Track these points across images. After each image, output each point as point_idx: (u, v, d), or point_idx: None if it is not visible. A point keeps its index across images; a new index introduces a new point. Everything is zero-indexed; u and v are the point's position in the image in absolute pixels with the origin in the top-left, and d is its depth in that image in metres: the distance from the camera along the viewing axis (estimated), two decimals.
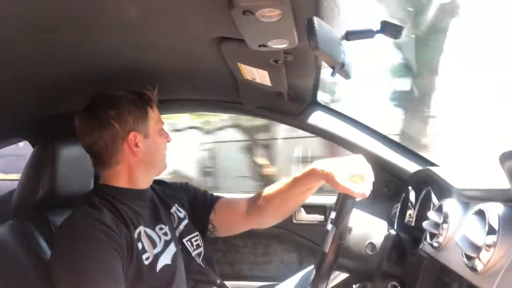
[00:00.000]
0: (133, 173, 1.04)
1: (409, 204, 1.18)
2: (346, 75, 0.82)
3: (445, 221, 0.83)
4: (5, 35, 0.82)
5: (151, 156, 1.05)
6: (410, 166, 1.41)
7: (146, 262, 0.95)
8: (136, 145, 1.02)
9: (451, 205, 0.85)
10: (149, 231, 1.00)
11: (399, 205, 1.30)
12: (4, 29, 0.79)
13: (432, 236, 0.88)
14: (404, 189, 1.30)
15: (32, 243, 1.04)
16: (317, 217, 1.60)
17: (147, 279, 0.94)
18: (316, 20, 0.66)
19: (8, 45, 0.86)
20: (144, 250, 0.96)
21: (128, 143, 1.01)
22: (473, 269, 0.64)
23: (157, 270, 0.96)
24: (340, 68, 0.77)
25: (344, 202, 0.97)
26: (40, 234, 1.06)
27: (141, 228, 0.99)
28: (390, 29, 0.74)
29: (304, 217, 1.61)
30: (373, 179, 0.99)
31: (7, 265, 1.03)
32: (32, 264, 1.01)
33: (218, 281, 1.13)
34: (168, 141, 1.11)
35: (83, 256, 0.86)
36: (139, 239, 0.97)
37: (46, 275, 0.99)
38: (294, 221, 1.60)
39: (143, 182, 1.07)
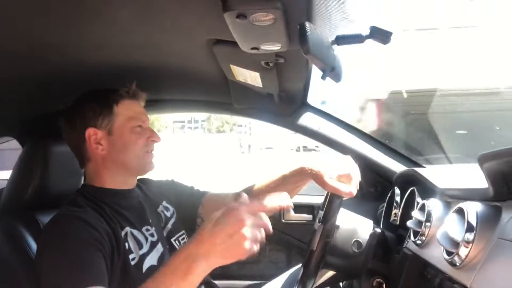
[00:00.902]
0: (104, 172, 1.03)
1: (394, 203, 1.22)
2: (336, 78, 0.85)
3: (428, 220, 0.86)
4: None
5: (117, 154, 1.02)
6: (396, 167, 1.45)
7: (132, 263, 0.96)
8: (98, 142, 1.01)
9: (433, 204, 0.89)
10: (135, 232, 1.00)
11: (385, 204, 1.34)
12: None
13: (416, 234, 0.91)
14: (390, 189, 1.34)
15: (20, 242, 1.03)
16: (306, 217, 1.63)
17: (134, 278, 0.94)
18: (308, 25, 0.69)
19: None
20: (130, 251, 0.97)
21: (88, 139, 1.01)
22: (453, 264, 0.68)
23: (143, 270, 0.97)
24: (330, 71, 0.79)
25: (332, 201, 0.99)
26: (28, 233, 1.05)
27: (127, 229, 0.99)
28: (379, 34, 0.77)
29: (292, 216, 1.63)
30: (360, 179, 1.02)
31: None
32: (20, 263, 1.01)
33: (207, 280, 1.14)
34: (153, 141, 1.05)
35: (65, 255, 0.86)
36: (125, 239, 0.97)
37: (33, 273, 1.00)
38: (283, 220, 1.63)
39: (121, 182, 1.05)
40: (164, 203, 1.16)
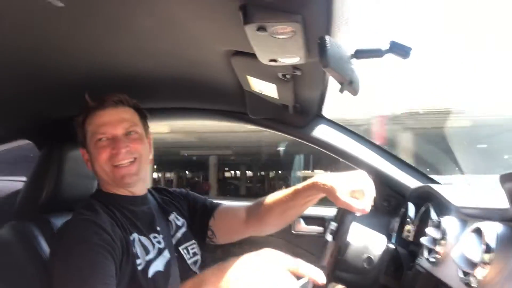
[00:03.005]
0: (103, 182, 1.09)
1: (408, 219, 1.20)
2: (354, 92, 0.85)
3: (443, 238, 0.85)
4: (14, 40, 0.84)
5: (95, 170, 1.05)
6: (411, 182, 1.43)
7: (139, 268, 0.97)
8: (87, 160, 1.08)
9: (449, 222, 0.87)
10: (142, 238, 1.02)
11: (398, 219, 1.32)
12: (13, 34, 0.82)
13: (430, 251, 0.90)
14: (404, 204, 1.32)
15: (34, 244, 1.05)
16: (316, 229, 1.61)
17: (140, 283, 0.96)
18: (327, 38, 0.69)
19: (18, 49, 0.89)
20: (137, 256, 0.98)
21: (83, 157, 1.09)
22: (468, 285, 0.66)
23: (149, 276, 0.98)
24: (348, 84, 0.80)
25: (344, 217, 0.98)
26: (41, 236, 1.07)
27: (135, 235, 1.00)
28: (398, 49, 0.77)
29: (303, 228, 1.62)
30: (374, 195, 0.99)
31: (8, 266, 1.04)
32: (33, 265, 1.02)
33: None
34: (118, 153, 1.00)
35: (77, 259, 0.88)
36: (133, 244, 0.98)
37: (47, 276, 1.01)
38: (293, 232, 1.61)
39: (122, 190, 1.07)
40: (175, 213, 1.18)
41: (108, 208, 1.00)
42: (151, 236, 1.04)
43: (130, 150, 1.02)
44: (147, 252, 1.00)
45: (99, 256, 0.89)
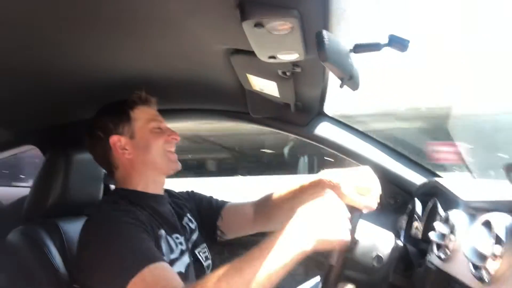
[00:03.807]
0: (135, 175, 1.06)
1: (415, 216, 1.18)
2: (354, 86, 0.83)
3: (452, 232, 0.83)
4: (17, 46, 0.85)
5: (144, 156, 1.05)
6: (417, 178, 1.41)
7: None
8: (123, 148, 1.05)
9: (457, 216, 0.85)
10: (168, 237, 1.02)
11: (405, 217, 1.30)
12: (17, 40, 0.82)
13: (439, 247, 0.88)
14: (410, 201, 1.30)
15: (42, 249, 1.05)
16: None
17: None
18: (325, 33, 0.68)
19: (22, 55, 0.89)
20: (163, 253, 0.98)
21: (114, 147, 1.05)
22: (480, 279, 0.64)
23: None
24: (348, 79, 0.78)
25: (351, 214, 0.97)
26: (50, 240, 1.08)
27: (162, 232, 1.00)
28: (397, 42, 0.76)
29: None
30: (380, 192, 0.98)
31: (17, 270, 1.05)
32: (42, 269, 1.03)
33: None
34: (173, 138, 1.08)
35: (118, 238, 0.86)
36: (161, 239, 0.99)
37: (55, 279, 1.01)
38: None
39: (152, 184, 1.07)
40: (189, 215, 1.17)
41: (132, 204, 1.00)
42: (174, 236, 1.05)
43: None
44: (171, 251, 1.00)
45: (138, 231, 0.88)
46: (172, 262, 0.99)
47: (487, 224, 0.67)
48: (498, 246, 0.62)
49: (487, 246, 0.64)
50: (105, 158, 1.07)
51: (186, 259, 1.04)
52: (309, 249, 0.76)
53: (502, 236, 0.62)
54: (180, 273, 0.99)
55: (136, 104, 1.09)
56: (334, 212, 0.79)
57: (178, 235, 1.05)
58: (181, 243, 1.04)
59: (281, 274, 0.75)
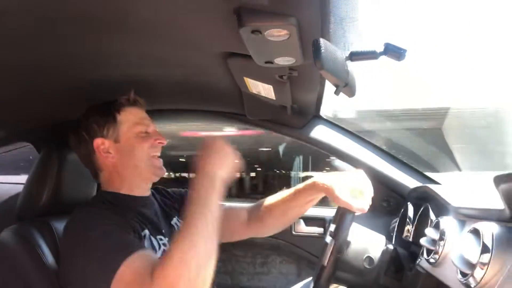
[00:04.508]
0: (118, 179, 1.04)
1: (407, 219, 1.20)
2: (350, 93, 0.84)
3: (441, 238, 0.85)
4: (14, 43, 0.85)
5: (127, 160, 1.03)
6: (410, 182, 1.43)
7: None
8: (107, 151, 1.04)
9: (447, 222, 0.87)
10: (151, 237, 1.02)
11: (397, 220, 1.31)
12: (13, 37, 0.82)
13: (429, 252, 0.89)
14: (403, 204, 1.32)
15: (35, 248, 1.05)
16: (316, 230, 1.61)
17: None
18: (322, 41, 0.69)
19: (18, 52, 0.89)
20: None
21: (97, 150, 1.04)
22: (467, 286, 0.66)
23: None
24: (343, 86, 0.79)
25: (343, 216, 0.99)
26: (42, 240, 1.07)
27: (146, 232, 1.00)
28: (393, 51, 0.77)
29: (303, 229, 1.62)
30: (372, 195, 1.01)
31: (9, 269, 1.04)
32: (34, 269, 1.02)
33: None
34: (159, 143, 1.07)
35: (101, 234, 0.86)
36: (145, 239, 0.99)
37: (47, 279, 1.01)
38: (294, 232, 1.61)
39: (136, 188, 1.06)
40: (177, 217, 1.17)
41: (116, 207, 0.99)
42: (158, 238, 1.04)
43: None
44: (154, 251, 1.00)
45: (121, 231, 0.88)
46: None
47: (476, 232, 0.69)
48: (485, 254, 0.63)
49: (475, 254, 0.65)
50: (89, 160, 1.07)
51: None
52: (220, 178, 0.87)
53: (489, 245, 0.63)
54: None
55: (123, 106, 1.07)
56: (222, 151, 0.91)
57: (162, 237, 1.05)
58: (164, 244, 1.04)
59: (217, 211, 0.84)
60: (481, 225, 0.68)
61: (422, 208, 1.11)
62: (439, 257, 0.84)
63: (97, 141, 1.04)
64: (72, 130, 1.09)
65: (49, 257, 1.05)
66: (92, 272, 0.84)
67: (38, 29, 0.79)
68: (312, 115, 1.45)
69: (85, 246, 0.86)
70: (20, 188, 1.26)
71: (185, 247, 0.77)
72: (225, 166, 0.89)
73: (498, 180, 0.59)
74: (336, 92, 0.80)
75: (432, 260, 0.87)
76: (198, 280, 0.76)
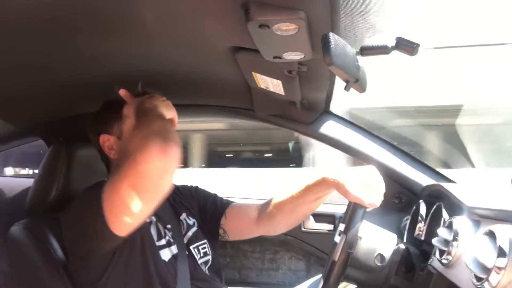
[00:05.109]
0: None
1: (419, 217, 1.17)
2: (361, 89, 0.82)
3: (455, 239, 0.82)
4: (22, 39, 0.85)
5: (125, 158, 1.01)
6: (423, 179, 1.40)
7: (150, 249, 0.99)
8: (111, 148, 1.04)
9: (461, 222, 0.84)
10: (158, 223, 1.04)
11: (409, 217, 1.29)
12: (21, 33, 0.82)
13: (442, 252, 0.87)
14: (415, 201, 1.29)
15: (44, 242, 1.06)
16: (326, 226, 1.59)
17: (148, 264, 0.98)
18: (331, 35, 0.67)
19: (26, 47, 0.89)
20: (151, 237, 1.01)
21: (103, 146, 1.05)
22: None
23: (155, 260, 1.00)
24: (354, 82, 0.77)
25: (355, 211, 0.97)
26: (52, 235, 1.08)
27: (153, 218, 1.02)
28: (405, 45, 0.74)
29: (312, 225, 1.60)
30: (384, 190, 0.99)
31: (19, 264, 1.06)
32: (43, 263, 1.04)
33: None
34: None
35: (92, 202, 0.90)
36: (151, 224, 1.01)
37: (57, 274, 1.02)
38: (303, 229, 1.60)
39: None
40: (186, 214, 1.17)
41: None
42: (166, 226, 1.07)
43: None
44: (159, 237, 1.03)
45: None
46: (159, 248, 1.02)
47: (491, 235, 0.66)
48: (502, 258, 0.61)
49: (490, 257, 0.63)
50: (101, 154, 1.08)
51: (172, 250, 1.05)
52: None
53: (506, 249, 0.61)
54: (163, 261, 1.01)
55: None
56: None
57: (166, 231, 1.07)
58: (170, 237, 1.06)
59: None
60: (497, 228, 0.66)
61: (435, 207, 1.08)
62: (452, 258, 0.81)
63: (103, 137, 1.05)
64: (89, 127, 1.10)
65: (58, 252, 1.06)
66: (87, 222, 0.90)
67: (49, 24, 0.79)
68: (322, 111, 1.42)
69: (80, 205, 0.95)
70: (30, 182, 1.27)
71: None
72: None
73: None
74: (347, 88, 0.78)
75: (444, 261, 0.84)
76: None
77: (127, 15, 0.78)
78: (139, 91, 1.07)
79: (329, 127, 1.43)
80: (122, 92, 1.01)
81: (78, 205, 0.97)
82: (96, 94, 1.12)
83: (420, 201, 1.22)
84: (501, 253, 0.61)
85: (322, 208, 1.61)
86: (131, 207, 0.82)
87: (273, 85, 1.12)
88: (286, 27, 0.71)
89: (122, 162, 1.01)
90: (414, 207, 1.25)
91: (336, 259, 0.97)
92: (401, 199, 1.44)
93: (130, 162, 0.82)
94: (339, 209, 1.57)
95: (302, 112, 1.38)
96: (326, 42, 0.66)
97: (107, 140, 1.05)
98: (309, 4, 0.66)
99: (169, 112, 1.03)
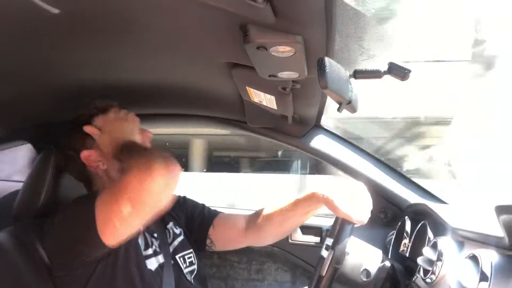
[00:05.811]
0: (111, 183, 1.04)
1: (404, 234, 1.20)
2: (353, 110, 0.84)
3: (439, 259, 0.84)
4: (13, 44, 0.84)
5: (114, 162, 1.04)
6: (408, 195, 1.43)
7: (135, 259, 0.99)
8: (97, 160, 1.05)
9: (446, 243, 0.86)
10: (146, 233, 1.05)
11: (394, 232, 1.31)
12: (12, 38, 0.81)
13: (426, 272, 0.89)
14: (400, 217, 1.31)
15: (31, 249, 1.04)
16: (313, 239, 1.61)
17: (132, 275, 0.98)
18: (326, 60, 0.69)
19: (17, 53, 0.88)
20: (138, 247, 1.01)
21: (86, 161, 1.06)
22: None
23: (141, 270, 1.00)
24: (346, 103, 0.79)
25: (343, 227, 0.99)
26: (39, 242, 1.06)
27: (140, 227, 1.01)
28: (397, 71, 0.77)
29: (300, 237, 1.61)
30: (371, 207, 1.01)
31: (6, 271, 1.04)
32: (30, 270, 1.02)
33: None
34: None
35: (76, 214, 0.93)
36: (139, 234, 1.01)
37: (44, 282, 1.01)
38: (290, 241, 1.61)
39: None
40: (173, 223, 1.17)
41: None
42: (153, 235, 1.07)
43: None
44: (147, 246, 1.03)
45: None
46: (146, 257, 1.02)
47: (474, 259, 0.69)
48: (483, 283, 0.63)
49: (473, 281, 0.65)
50: (82, 174, 1.09)
51: (159, 259, 1.05)
52: None
53: (488, 273, 0.63)
54: (150, 271, 1.01)
55: (95, 115, 1.08)
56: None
57: (153, 240, 1.07)
58: (156, 246, 1.06)
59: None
60: (480, 252, 0.68)
61: (420, 225, 1.11)
62: (436, 278, 0.84)
63: (84, 154, 1.06)
64: (60, 154, 1.12)
65: (45, 260, 1.04)
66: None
67: (37, 30, 0.79)
68: (313, 125, 1.44)
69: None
70: (18, 186, 1.25)
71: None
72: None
73: (499, 210, 0.59)
74: (339, 110, 0.80)
75: (428, 281, 0.87)
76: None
77: (122, 27, 0.79)
78: (101, 107, 1.08)
79: (319, 141, 1.45)
80: (87, 129, 1.04)
81: (69, 212, 0.97)
82: (86, 100, 1.11)
83: (406, 217, 1.24)
84: (483, 277, 0.64)
85: (309, 221, 1.62)
86: (126, 219, 0.83)
87: (267, 100, 1.14)
88: (283, 49, 0.73)
89: (112, 167, 1.04)
90: (400, 223, 1.28)
91: (324, 274, 0.98)
92: (386, 214, 1.47)
93: (132, 178, 0.83)
94: (326, 222, 1.59)
95: (294, 126, 1.40)
96: (321, 67, 0.67)
97: (89, 155, 1.05)
98: (306, 29, 0.68)
99: (134, 125, 1.06)
